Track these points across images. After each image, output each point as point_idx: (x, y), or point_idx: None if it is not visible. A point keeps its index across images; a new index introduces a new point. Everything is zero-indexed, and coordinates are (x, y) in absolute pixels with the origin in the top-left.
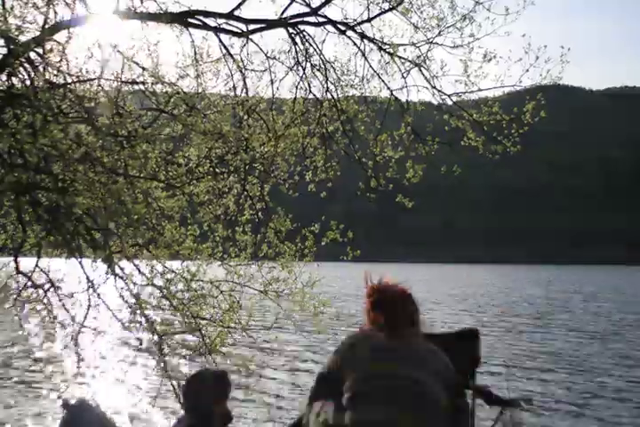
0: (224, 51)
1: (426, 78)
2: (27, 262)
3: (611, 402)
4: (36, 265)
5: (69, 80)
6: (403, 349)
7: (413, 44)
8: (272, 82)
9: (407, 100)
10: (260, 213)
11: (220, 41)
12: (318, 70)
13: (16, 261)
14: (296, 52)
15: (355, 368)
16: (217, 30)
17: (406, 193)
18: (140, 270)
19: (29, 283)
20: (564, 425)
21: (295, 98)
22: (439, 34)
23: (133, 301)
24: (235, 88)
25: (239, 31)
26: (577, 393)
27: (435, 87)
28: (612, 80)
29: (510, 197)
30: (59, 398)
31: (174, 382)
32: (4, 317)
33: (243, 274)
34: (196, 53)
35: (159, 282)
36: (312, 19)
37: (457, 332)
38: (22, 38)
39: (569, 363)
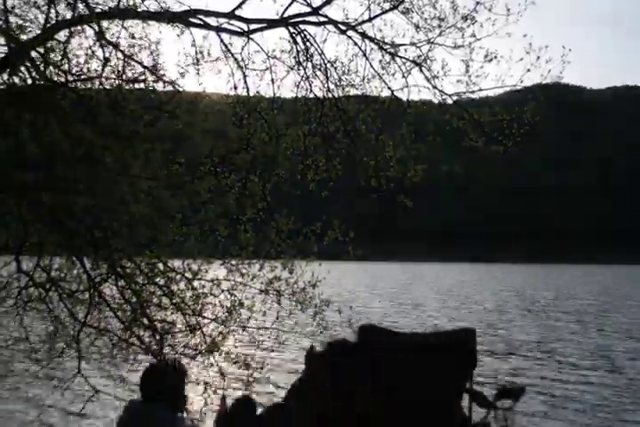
0: (225, 50)
1: (427, 78)
2: (28, 261)
3: None
4: (38, 264)
5: (70, 79)
6: None
7: (414, 44)
8: (273, 81)
9: (408, 100)
10: (261, 212)
11: (221, 40)
12: (319, 70)
13: (17, 261)
14: (297, 51)
15: None
16: (218, 29)
17: (407, 192)
18: (141, 269)
19: (31, 282)
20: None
21: (296, 97)
22: (440, 34)
23: (135, 299)
24: (236, 87)
25: (240, 30)
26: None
27: (435, 87)
28: (611, 80)
29: (510, 197)
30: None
31: None
32: (5, 316)
33: (244, 273)
34: (196, 52)
35: (160, 281)
36: (313, 18)
37: (452, 331)
38: (23, 37)
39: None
